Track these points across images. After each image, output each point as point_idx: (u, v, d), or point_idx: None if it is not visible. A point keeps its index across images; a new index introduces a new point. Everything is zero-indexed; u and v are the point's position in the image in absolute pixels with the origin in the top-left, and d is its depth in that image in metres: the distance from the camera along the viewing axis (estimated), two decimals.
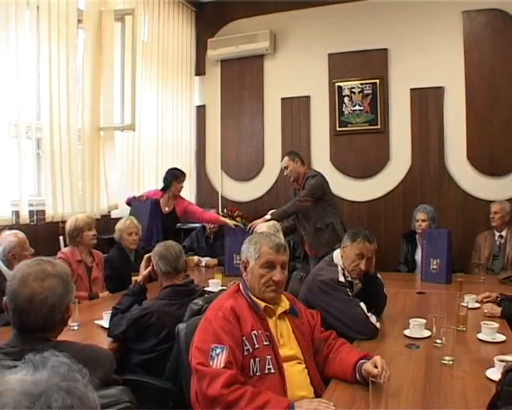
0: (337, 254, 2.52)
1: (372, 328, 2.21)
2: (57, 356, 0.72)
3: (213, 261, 4.41)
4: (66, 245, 3.39)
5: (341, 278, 2.38)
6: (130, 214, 4.01)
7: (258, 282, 1.75)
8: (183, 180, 4.29)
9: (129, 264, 3.53)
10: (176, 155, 5.68)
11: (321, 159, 5.34)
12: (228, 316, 1.66)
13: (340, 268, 2.43)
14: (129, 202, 4.29)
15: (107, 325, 2.34)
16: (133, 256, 3.63)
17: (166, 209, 4.27)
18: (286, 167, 4.08)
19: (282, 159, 3.85)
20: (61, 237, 3.67)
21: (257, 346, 1.66)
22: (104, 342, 2.24)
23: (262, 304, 1.77)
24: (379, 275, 2.58)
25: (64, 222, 3.51)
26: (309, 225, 3.97)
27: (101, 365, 1.34)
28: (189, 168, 5.91)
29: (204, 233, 4.77)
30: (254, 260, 1.77)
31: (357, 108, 5.25)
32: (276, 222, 3.64)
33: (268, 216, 3.83)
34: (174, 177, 4.26)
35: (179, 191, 4.32)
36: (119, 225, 3.58)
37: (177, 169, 4.34)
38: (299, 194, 3.93)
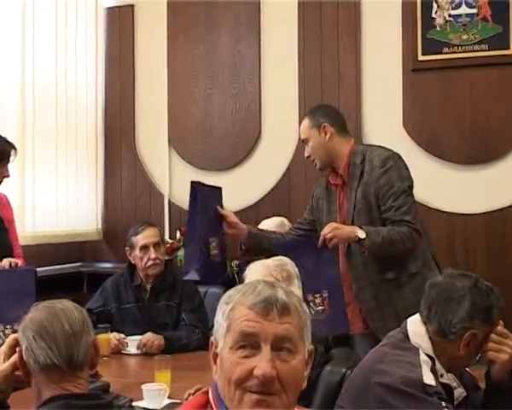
0: (415, 327, 2.28)
1: None
2: None
3: (156, 340, 3.80)
4: None
5: (429, 380, 2.13)
6: None
7: (229, 384, 1.53)
8: (9, 159, 4.18)
9: None
10: (65, 113, 5.18)
11: (384, 122, 4.78)
12: None
13: (423, 356, 2.18)
14: None
15: None
16: None
17: None
18: (305, 141, 3.76)
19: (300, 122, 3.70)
20: None
21: None
22: None
23: None
24: None
25: None
26: (369, 273, 3.61)
27: None
28: (93, 143, 5.44)
29: (132, 281, 4.00)
30: (223, 338, 1.55)
31: (462, 10, 4.49)
32: (284, 259, 3.11)
33: (362, 233, 3.46)
34: None
35: (2, 178, 4.26)
36: None
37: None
38: (393, 215, 3.56)
